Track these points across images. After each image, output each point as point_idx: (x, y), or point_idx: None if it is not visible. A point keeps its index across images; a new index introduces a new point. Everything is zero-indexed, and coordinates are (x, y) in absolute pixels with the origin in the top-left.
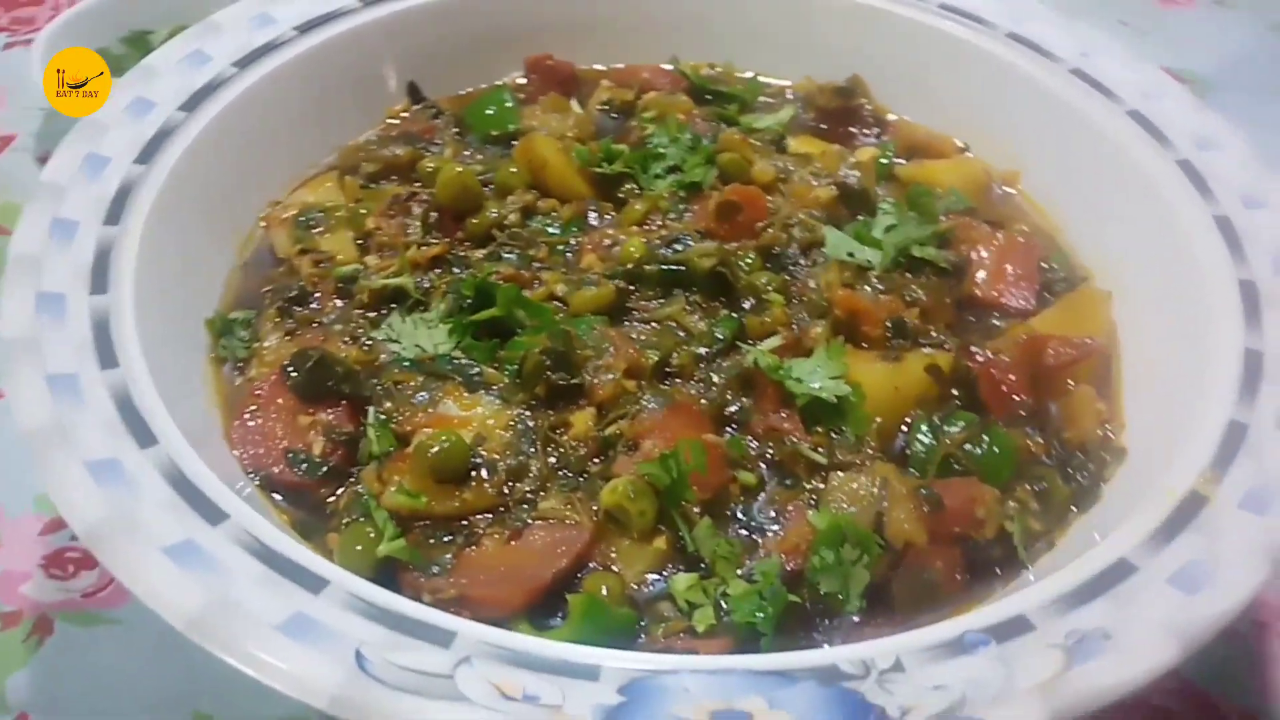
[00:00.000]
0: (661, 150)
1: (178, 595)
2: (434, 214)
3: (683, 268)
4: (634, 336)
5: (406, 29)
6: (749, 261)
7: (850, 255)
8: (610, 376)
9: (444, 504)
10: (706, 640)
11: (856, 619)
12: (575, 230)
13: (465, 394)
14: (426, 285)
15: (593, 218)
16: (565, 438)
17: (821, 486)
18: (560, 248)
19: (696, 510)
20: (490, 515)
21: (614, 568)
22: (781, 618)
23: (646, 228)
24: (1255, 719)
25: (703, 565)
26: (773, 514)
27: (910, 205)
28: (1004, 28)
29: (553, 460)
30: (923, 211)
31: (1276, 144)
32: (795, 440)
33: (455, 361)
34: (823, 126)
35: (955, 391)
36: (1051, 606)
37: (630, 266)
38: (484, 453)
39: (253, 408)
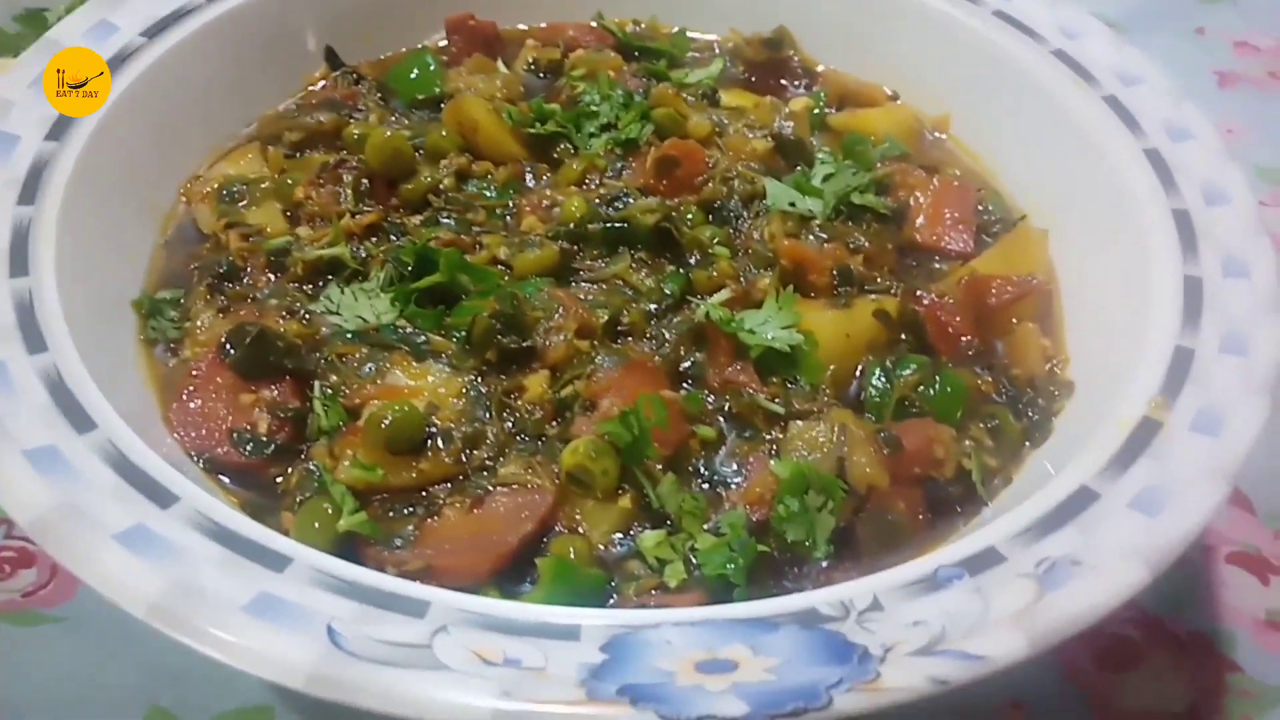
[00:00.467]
0: (594, 108)
1: (134, 581)
2: (365, 181)
3: (626, 225)
4: (582, 297)
5: None
6: (691, 216)
7: (792, 205)
8: (562, 338)
9: (401, 476)
10: (679, 595)
11: (825, 564)
12: (512, 193)
13: (413, 363)
14: (363, 255)
15: (529, 180)
16: (520, 402)
17: (781, 437)
18: (498, 211)
19: (659, 467)
20: (449, 484)
21: (580, 529)
22: (752, 568)
23: (585, 187)
24: (1206, 639)
25: (669, 522)
26: (734, 466)
27: (846, 154)
28: None
29: (509, 425)
30: (859, 159)
31: (1188, 83)
32: (752, 392)
33: (400, 330)
34: (752, 79)
35: (903, 335)
36: (1019, 538)
37: (572, 226)
38: (438, 421)
39: (190, 388)
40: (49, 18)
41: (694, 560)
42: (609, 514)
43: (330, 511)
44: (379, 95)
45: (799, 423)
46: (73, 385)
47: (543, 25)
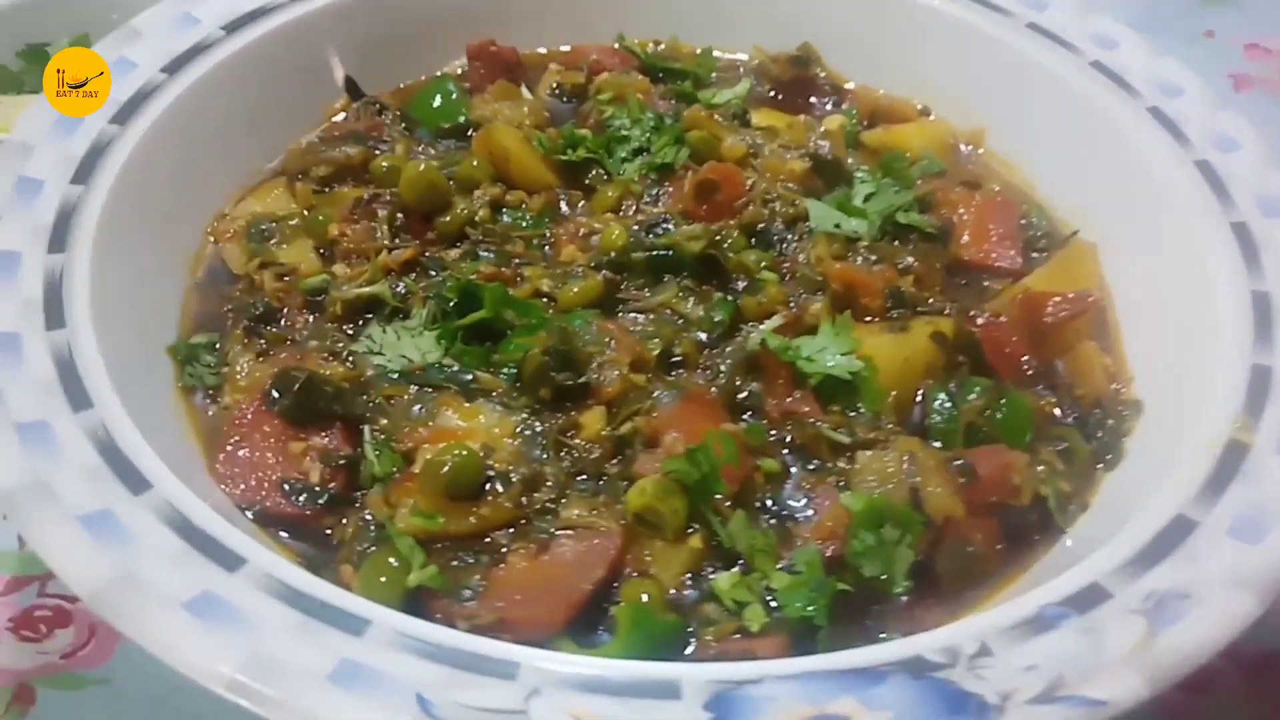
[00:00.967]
0: (625, 133)
1: (209, 655)
2: (400, 215)
3: (670, 252)
4: (630, 328)
5: (338, 22)
6: (733, 241)
7: (837, 226)
8: (616, 372)
9: (461, 523)
10: (762, 640)
11: (904, 599)
12: (547, 222)
13: (464, 403)
14: (403, 291)
15: (563, 208)
16: (577, 440)
17: (847, 467)
18: (536, 241)
19: (726, 504)
20: (512, 530)
21: (650, 572)
22: (831, 606)
23: (621, 214)
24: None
25: (739, 561)
26: (802, 500)
27: (885, 172)
28: None
29: (566, 465)
30: (898, 177)
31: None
32: (816, 422)
33: (447, 369)
34: (779, 98)
35: (961, 358)
36: (1123, 571)
37: (614, 255)
38: (494, 464)
39: (236, 438)
40: (51, 53)
41: (771, 601)
42: (679, 555)
43: (397, 565)
44: (403, 125)
45: (866, 453)
46: (122, 443)
47: (565, 49)
